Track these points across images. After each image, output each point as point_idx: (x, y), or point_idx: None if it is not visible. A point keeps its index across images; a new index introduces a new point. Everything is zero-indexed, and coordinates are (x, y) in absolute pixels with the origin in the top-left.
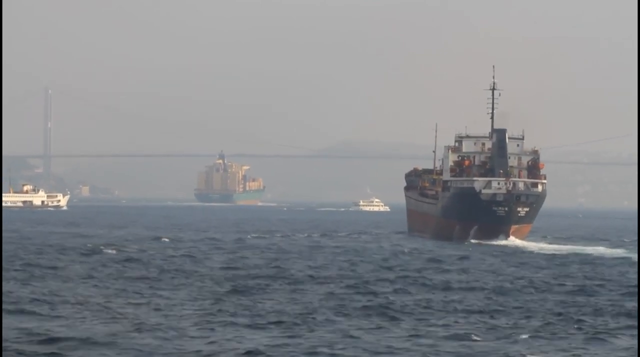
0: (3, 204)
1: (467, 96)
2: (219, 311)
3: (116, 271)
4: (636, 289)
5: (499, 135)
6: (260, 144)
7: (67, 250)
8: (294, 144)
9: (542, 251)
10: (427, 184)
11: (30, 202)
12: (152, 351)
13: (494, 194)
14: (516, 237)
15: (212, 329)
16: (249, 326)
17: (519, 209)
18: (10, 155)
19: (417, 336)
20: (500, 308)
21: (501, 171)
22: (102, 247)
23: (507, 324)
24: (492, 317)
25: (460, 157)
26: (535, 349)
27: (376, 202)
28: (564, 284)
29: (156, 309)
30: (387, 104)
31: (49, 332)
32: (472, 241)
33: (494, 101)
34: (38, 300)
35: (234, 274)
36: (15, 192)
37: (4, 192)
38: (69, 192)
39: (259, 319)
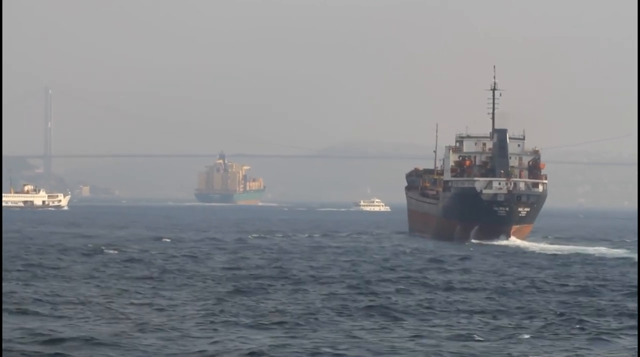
0: (4, 204)
1: (467, 96)
2: (222, 311)
3: (118, 271)
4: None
5: (500, 135)
6: (260, 144)
7: (68, 250)
8: (294, 144)
9: (543, 251)
10: (428, 184)
11: (31, 202)
12: (156, 352)
13: (495, 194)
14: (517, 237)
15: (215, 330)
16: (251, 326)
17: (520, 209)
18: (11, 156)
19: (419, 336)
20: (503, 308)
21: (502, 171)
22: (103, 248)
23: (510, 324)
24: (494, 317)
25: (461, 157)
26: (538, 349)
27: (377, 202)
28: (565, 285)
29: (159, 309)
30: (387, 104)
31: (53, 332)
32: (473, 241)
33: (495, 101)
34: (41, 300)
35: (236, 274)
36: (16, 192)
37: (5, 192)
38: (69, 192)
39: (261, 319)
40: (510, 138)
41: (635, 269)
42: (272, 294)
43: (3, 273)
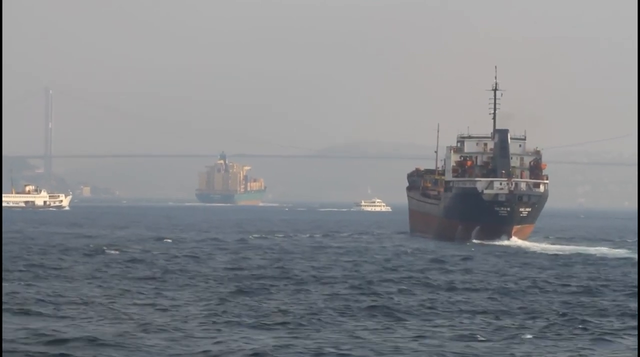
0: (6, 205)
1: (467, 96)
2: (224, 311)
3: (120, 272)
4: None
5: (501, 135)
6: (260, 144)
7: (70, 250)
8: (294, 144)
9: (544, 252)
10: (429, 185)
11: (33, 202)
12: (160, 352)
13: (496, 195)
14: (518, 237)
15: (219, 330)
16: (254, 327)
17: (521, 209)
18: (11, 156)
19: (422, 336)
20: (505, 309)
21: (503, 172)
22: (105, 248)
23: (512, 324)
24: (497, 317)
25: (462, 158)
26: (541, 349)
27: (378, 202)
28: (567, 285)
29: (161, 310)
30: (387, 104)
31: (56, 332)
32: (475, 241)
33: (496, 101)
34: (43, 301)
35: (238, 274)
36: (17, 192)
37: (7, 193)
38: (71, 193)
39: (264, 320)
40: (511, 138)
41: (637, 270)
42: (274, 294)
43: (5, 273)
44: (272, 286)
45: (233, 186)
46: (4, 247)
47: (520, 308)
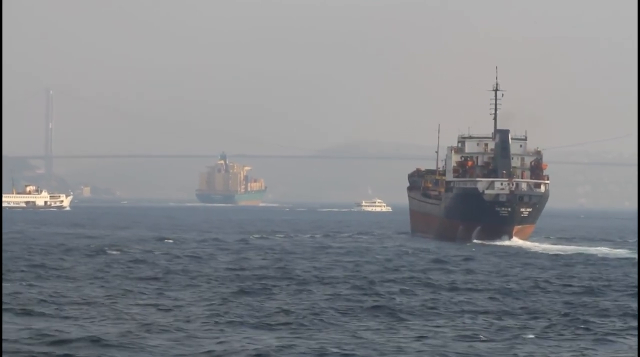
0: (6, 205)
1: (467, 96)
2: (227, 311)
3: (122, 272)
4: None
5: (502, 136)
6: (260, 144)
7: (72, 251)
8: (294, 145)
9: (545, 252)
10: (430, 185)
11: (33, 202)
12: (164, 352)
13: (497, 195)
14: (519, 237)
15: (222, 330)
16: (257, 327)
17: (522, 209)
18: (12, 156)
19: (425, 336)
20: (507, 309)
21: (504, 172)
22: (106, 248)
23: (515, 325)
24: (499, 318)
25: (463, 158)
26: (544, 349)
27: (378, 202)
28: (569, 285)
29: (164, 310)
30: (387, 104)
31: (59, 333)
32: (475, 241)
33: (497, 102)
34: (46, 301)
35: (239, 274)
36: (18, 192)
37: (8, 193)
38: (71, 193)
39: (266, 320)
40: (512, 138)
41: (637, 270)
42: (276, 294)
43: (7, 274)
44: (274, 286)
45: (233, 186)
46: (5, 248)
47: (522, 308)
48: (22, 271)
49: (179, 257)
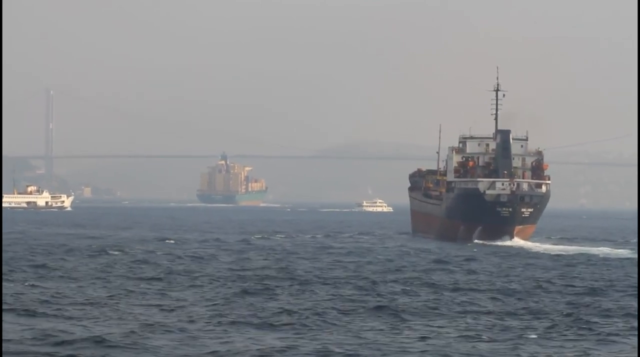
0: (8, 205)
1: (467, 96)
2: (230, 312)
3: (124, 272)
4: None
5: (503, 136)
6: (259, 144)
7: (73, 251)
8: (294, 145)
9: (547, 252)
10: (431, 185)
11: (35, 203)
12: (168, 353)
13: (498, 195)
14: (520, 238)
15: (225, 331)
16: (260, 327)
17: (523, 209)
18: (12, 156)
19: (428, 337)
20: (510, 309)
21: (505, 172)
22: (108, 249)
23: (518, 325)
24: (502, 318)
25: (464, 158)
26: (547, 349)
27: (379, 202)
28: (571, 285)
29: (167, 310)
30: (387, 104)
31: (63, 333)
32: (476, 241)
33: (498, 102)
34: (48, 302)
35: (242, 275)
36: (19, 193)
37: (9, 193)
38: (72, 193)
39: (269, 320)
40: (513, 139)
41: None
42: (278, 295)
43: (9, 274)
44: (276, 286)
45: (234, 186)
46: (7, 248)
47: (524, 309)
48: (25, 271)
49: (181, 258)
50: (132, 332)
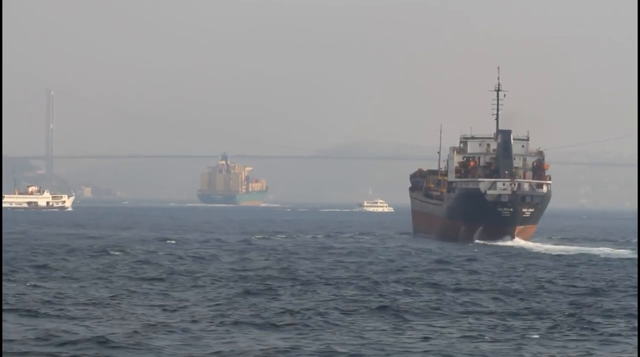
0: (8, 205)
1: (467, 96)
2: (232, 312)
3: (126, 273)
4: None
5: (504, 136)
6: (260, 145)
7: (75, 251)
8: (294, 145)
9: (548, 252)
10: (432, 185)
11: (35, 203)
12: (173, 353)
13: (499, 195)
14: (521, 238)
15: (228, 331)
16: (263, 327)
17: (524, 210)
18: (12, 156)
19: (431, 337)
20: (512, 309)
21: (506, 172)
22: (109, 249)
23: (520, 325)
24: (504, 318)
25: (465, 158)
26: (550, 349)
27: (380, 203)
28: (573, 285)
29: (169, 311)
30: (387, 104)
31: (66, 334)
32: (477, 241)
33: (499, 102)
34: (51, 302)
35: (243, 275)
36: (20, 193)
37: (10, 193)
38: (73, 193)
39: (272, 320)
40: (514, 139)
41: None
42: (281, 295)
43: (11, 274)
44: (278, 286)
45: (235, 186)
46: (9, 248)
47: (527, 309)
48: (26, 271)
49: (182, 258)
50: (135, 332)
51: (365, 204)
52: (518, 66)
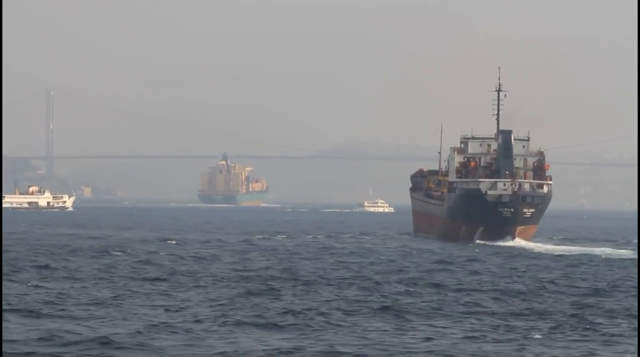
0: (9, 205)
1: (467, 96)
2: (234, 312)
3: (128, 273)
4: None
5: (505, 136)
6: (260, 145)
7: (76, 251)
8: (294, 145)
9: (549, 252)
10: (432, 185)
11: (36, 203)
12: (176, 354)
13: (500, 195)
14: (522, 238)
15: (231, 331)
16: (266, 328)
17: (525, 210)
18: (13, 157)
19: (433, 337)
20: (514, 310)
21: (507, 172)
22: (110, 249)
23: (522, 325)
24: (506, 319)
25: (466, 159)
26: (553, 349)
27: (381, 203)
28: (574, 286)
29: (172, 311)
30: (387, 104)
31: (69, 334)
32: (478, 242)
33: (500, 102)
34: (53, 302)
35: (245, 275)
36: (20, 193)
37: (11, 193)
38: (74, 193)
39: (275, 321)
40: (515, 139)
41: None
42: (283, 295)
43: (13, 275)
44: (280, 287)
45: (235, 186)
46: (11, 249)
47: (529, 309)
48: (28, 271)
49: (184, 258)
50: (138, 332)
51: (366, 204)
52: (518, 66)
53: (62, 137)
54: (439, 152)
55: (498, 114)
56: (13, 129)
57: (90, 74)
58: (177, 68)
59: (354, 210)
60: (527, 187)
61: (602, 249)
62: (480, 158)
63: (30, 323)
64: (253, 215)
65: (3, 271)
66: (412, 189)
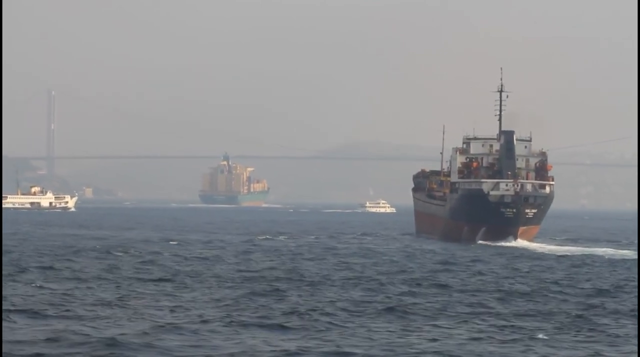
0: (11, 206)
1: (467, 96)
2: (240, 313)
3: (131, 273)
4: None
5: (507, 137)
6: (260, 145)
7: (80, 252)
8: (294, 145)
9: (552, 253)
10: (434, 186)
11: (38, 203)
12: (184, 355)
13: (502, 196)
14: (524, 238)
15: (236, 332)
16: (271, 328)
17: (527, 210)
18: (13, 157)
19: (439, 338)
20: (518, 310)
21: (509, 173)
22: (113, 250)
23: (528, 326)
24: (510, 319)
25: (468, 159)
26: (559, 350)
27: (382, 203)
28: (578, 286)
29: (177, 311)
30: (387, 104)
31: (75, 335)
32: (480, 242)
33: (502, 103)
34: (58, 303)
35: (249, 276)
36: (23, 193)
37: (13, 194)
38: (76, 194)
39: (280, 321)
40: (517, 140)
41: None
42: (288, 296)
43: (17, 275)
44: (285, 287)
45: (236, 187)
46: (14, 249)
47: (533, 310)
48: (32, 272)
49: (187, 259)
50: (145, 333)
51: (368, 204)
52: (518, 66)
53: (63, 138)
54: (441, 153)
55: (500, 115)
56: (14, 129)
57: (91, 74)
58: (177, 68)
59: (356, 210)
60: (529, 187)
61: (604, 249)
62: (482, 158)
63: (36, 324)
64: (254, 215)
65: (8, 272)
66: (414, 190)
